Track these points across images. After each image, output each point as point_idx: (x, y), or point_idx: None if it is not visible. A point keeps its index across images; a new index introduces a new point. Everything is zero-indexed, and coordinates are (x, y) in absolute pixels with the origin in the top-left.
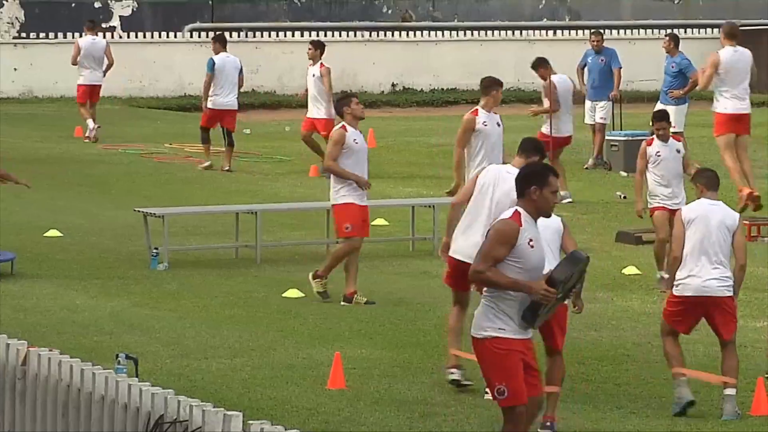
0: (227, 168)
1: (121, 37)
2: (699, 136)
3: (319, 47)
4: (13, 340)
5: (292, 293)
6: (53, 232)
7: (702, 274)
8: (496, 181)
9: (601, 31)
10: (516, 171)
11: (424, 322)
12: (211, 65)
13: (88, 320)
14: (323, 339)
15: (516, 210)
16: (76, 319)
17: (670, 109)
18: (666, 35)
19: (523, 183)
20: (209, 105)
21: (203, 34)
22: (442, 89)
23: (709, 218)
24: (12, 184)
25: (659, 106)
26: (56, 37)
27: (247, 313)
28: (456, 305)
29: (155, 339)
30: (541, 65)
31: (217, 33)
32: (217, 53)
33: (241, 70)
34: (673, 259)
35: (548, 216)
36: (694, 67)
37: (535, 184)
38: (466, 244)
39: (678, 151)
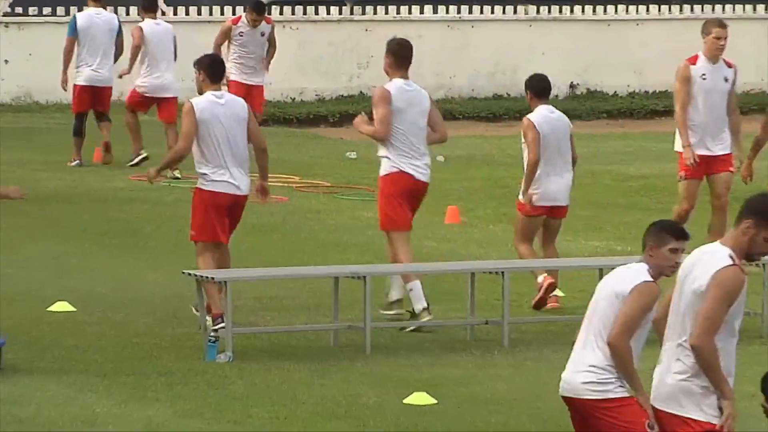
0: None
1: (164, 13)
2: None
3: None
4: None
5: (419, 398)
6: (62, 305)
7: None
8: None
9: None
10: None
11: None
12: (72, 26)
13: None
14: None
15: None
16: None
17: None
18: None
19: None
20: (80, 81)
21: (286, 9)
22: (646, 93)
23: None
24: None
25: None
26: (67, 13)
27: (353, 427)
28: None
29: None
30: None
31: None
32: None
33: (119, 32)
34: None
35: None
36: None
37: None
38: None
39: None
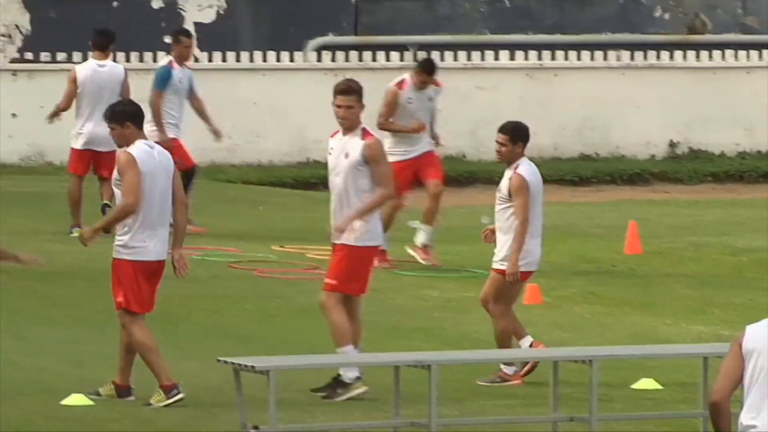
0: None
1: (197, 60)
2: None
3: None
4: None
5: None
6: (78, 399)
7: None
8: None
9: None
10: None
11: None
12: (166, 77)
13: None
14: None
15: None
16: None
17: None
18: None
19: None
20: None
21: (339, 54)
22: (758, 153)
23: None
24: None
25: None
26: (85, 59)
27: None
28: None
29: None
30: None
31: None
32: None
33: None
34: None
35: None
36: None
37: None
38: None
39: None
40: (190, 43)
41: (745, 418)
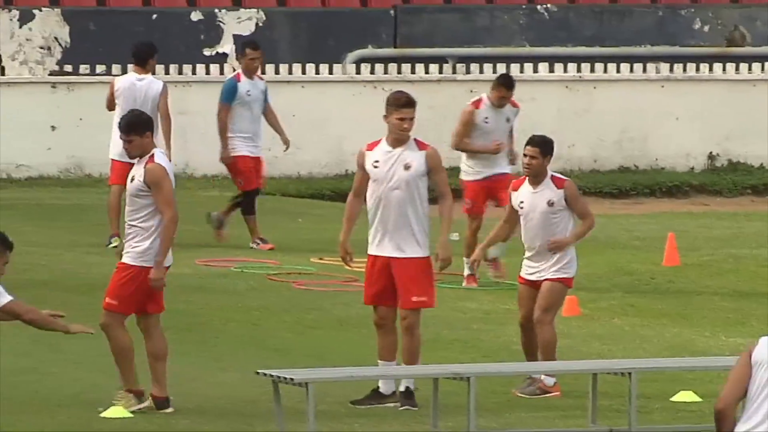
0: None
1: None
2: None
3: None
4: None
5: None
6: (117, 411)
7: None
8: None
9: None
10: None
11: None
12: (232, 90)
13: None
14: None
15: None
16: None
17: None
18: None
19: None
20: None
21: (378, 66)
22: None
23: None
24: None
25: None
26: (124, 71)
27: None
28: None
29: None
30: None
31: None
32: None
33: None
34: None
35: None
36: None
37: None
38: None
39: None
40: (255, 54)
41: (742, 429)
